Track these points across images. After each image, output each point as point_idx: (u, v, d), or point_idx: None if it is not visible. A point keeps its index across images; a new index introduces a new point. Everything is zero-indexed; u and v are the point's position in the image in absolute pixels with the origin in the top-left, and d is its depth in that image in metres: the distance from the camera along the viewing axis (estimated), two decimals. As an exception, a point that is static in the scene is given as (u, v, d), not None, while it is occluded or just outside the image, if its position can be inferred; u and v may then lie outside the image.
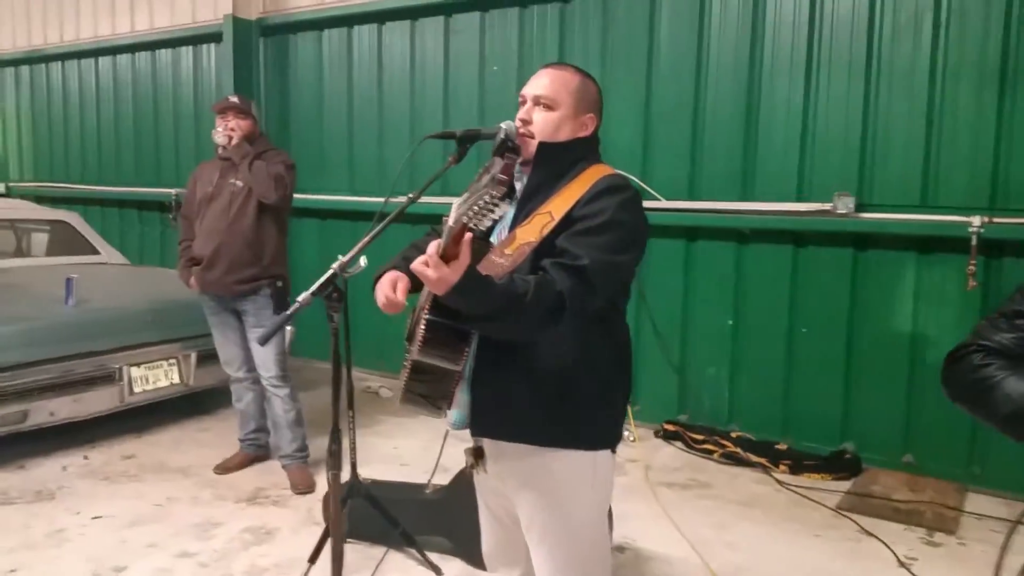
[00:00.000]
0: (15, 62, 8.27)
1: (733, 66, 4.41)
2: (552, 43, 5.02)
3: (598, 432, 1.73)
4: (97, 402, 4.20)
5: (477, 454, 1.79)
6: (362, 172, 5.98)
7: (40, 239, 5.81)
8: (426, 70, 5.63)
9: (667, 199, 4.58)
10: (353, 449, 2.83)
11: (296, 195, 3.93)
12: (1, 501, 3.58)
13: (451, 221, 1.38)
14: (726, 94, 4.45)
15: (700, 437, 4.41)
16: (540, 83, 1.74)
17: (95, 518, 3.40)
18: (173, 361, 4.50)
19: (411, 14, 5.63)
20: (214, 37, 6.50)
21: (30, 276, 4.90)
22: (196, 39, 6.76)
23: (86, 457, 4.14)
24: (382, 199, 5.71)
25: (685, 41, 4.56)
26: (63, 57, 7.84)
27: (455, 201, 1.42)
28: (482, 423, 1.69)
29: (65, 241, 5.64)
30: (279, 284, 3.77)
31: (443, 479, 2.94)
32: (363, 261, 1.82)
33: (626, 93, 4.70)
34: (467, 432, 1.73)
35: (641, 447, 4.38)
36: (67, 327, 4.20)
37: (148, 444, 4.36)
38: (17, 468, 3.96)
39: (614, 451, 1.78)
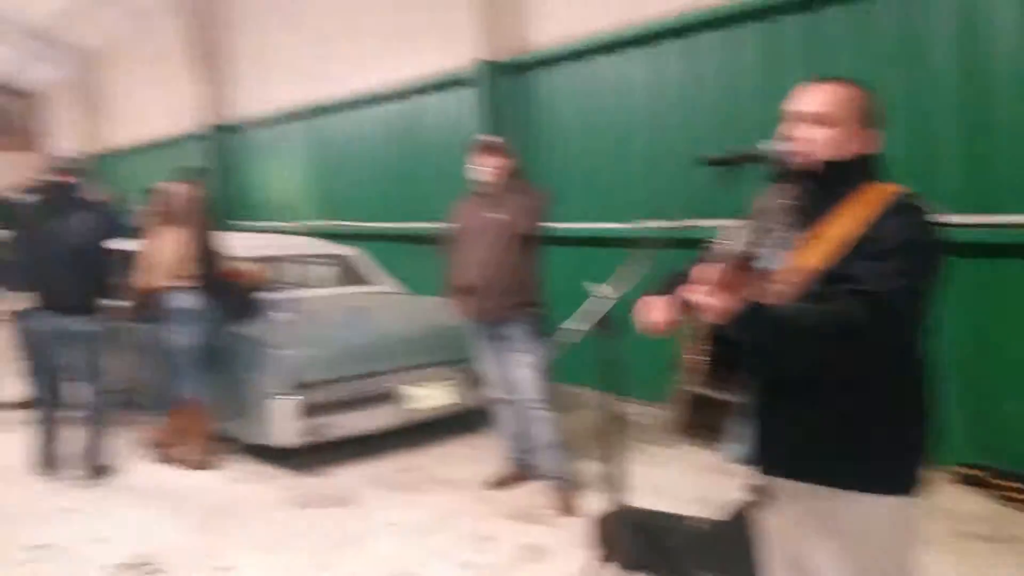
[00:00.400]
0: (302, 116, 9.47)
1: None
2: (795, 56, 4.80)
3: (900, 475, 1.61)
4: (382, 417, 4.67)
5: (761, 491, 1.73)
6: (602, 199, 6.10)
7: (328, 272, 6.58)
8: (667, 94, 5.65)
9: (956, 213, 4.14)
10: (621, 476, 2.88)
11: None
12: (307, 504, 4.09)
13: (727, 247, 1.37)
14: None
15: (1011, 484, 3.87)
16: (813, 99, 1.66)
17: (387, 524, 3.78)
18: (447, 381, 4.87)
19: (651, 40, 5.68)
20: (465, 82, 7.00)
21: (322, 305, 5.53)
22: (449, 84, 7.32)
23: (373, 468, 4.60)
24: (625, 224, 5.86)
25: (961, 37, 4.12)
26: (339, 109, 8.85)
27: (727, 225, 1.41)
28: (773, 460, 1.64)
29: (349, 273, 6.33)
30: (538, 310, 3.96)
31: (712, 513, 2.89)
32: (609, 289, 1.84)
33: (895, 99, 4.35)
34: (744, 466, 1.68)
35: (939, 493, 3.97)
36: (357, 350, 4.72)
37: (427, 458, 4.75)
38: (317, 475, 4.50)
39: (918, 497, 1.64)
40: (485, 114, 6.66)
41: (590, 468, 4.14)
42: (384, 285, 6.27)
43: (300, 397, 4.34)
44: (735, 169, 1.69)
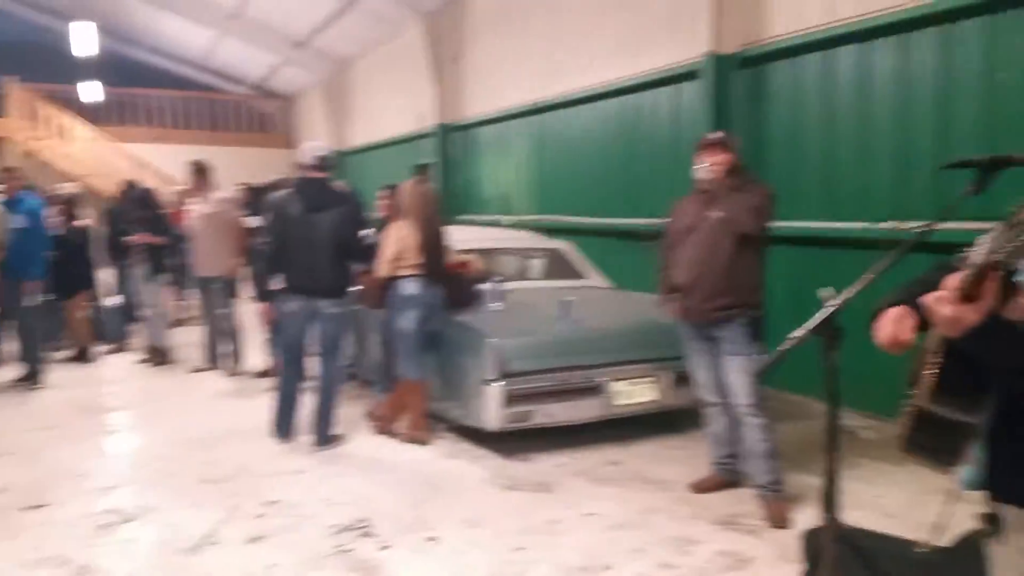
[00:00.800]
0: (525, 113, 9.80)
1: None
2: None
3: None
4: (587, 410, 4.74)
5: (993, 521, 1.58)
6: (841, 197, 5.74)
7: (540, 265, 6.77)
8: (916, 86, 5.18)
9: None
10: (837, 491, 2.72)
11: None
12: (510, 487, 4.24)
13: (977, 255, 1.26)
14: None
15: None
16: None
17: (586, 514, 3.83)
18: (652, 379, 4.84)
19: (901, 28, 5.24)
20: (692, 75, 6.87)
21: (533, 297, 5.70)
22: (675, 79, 7.22)
23: (576, 459, 4.69)
24: (863, 224, 5.49)
25: None
26: (561, 106, 9.05)
27: (982, 232, 1.29)
28: (1007, 487, 1.49)
29: (560, 266, 6.48)
30: (755, 314, 3.83)
31: (935, 539, 2.64)
32: (838, 294, 1.73)
33: None
34: (976, 491, 1.54)
35: None
36: (564, 343, 4.83)
37: (630, 454, 4.75)
38: (523, 460, 4.65)
39: None
40: (713, 109, 6.50)
41: (805, 480, 3.94)
42: (594, 280, 6.35)
43: (509, 384, 4.52)
44: (990, 173, 1.55)
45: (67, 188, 8.24)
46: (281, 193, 4.98)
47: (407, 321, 4.92)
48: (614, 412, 4.79)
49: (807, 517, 2.68)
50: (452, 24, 11.12)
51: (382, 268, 4.96)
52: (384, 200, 5.48)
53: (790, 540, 3.41)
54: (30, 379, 6.55)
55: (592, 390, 4.72)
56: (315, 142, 5.23)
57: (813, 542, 2.78)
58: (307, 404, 5.00)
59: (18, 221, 6.37)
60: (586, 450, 4.79)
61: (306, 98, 18.24)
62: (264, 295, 5.23)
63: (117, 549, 3.52)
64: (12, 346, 6.87)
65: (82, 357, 7.58)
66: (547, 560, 3.35)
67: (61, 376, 6.90)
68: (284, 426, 4.98)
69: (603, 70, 8.23)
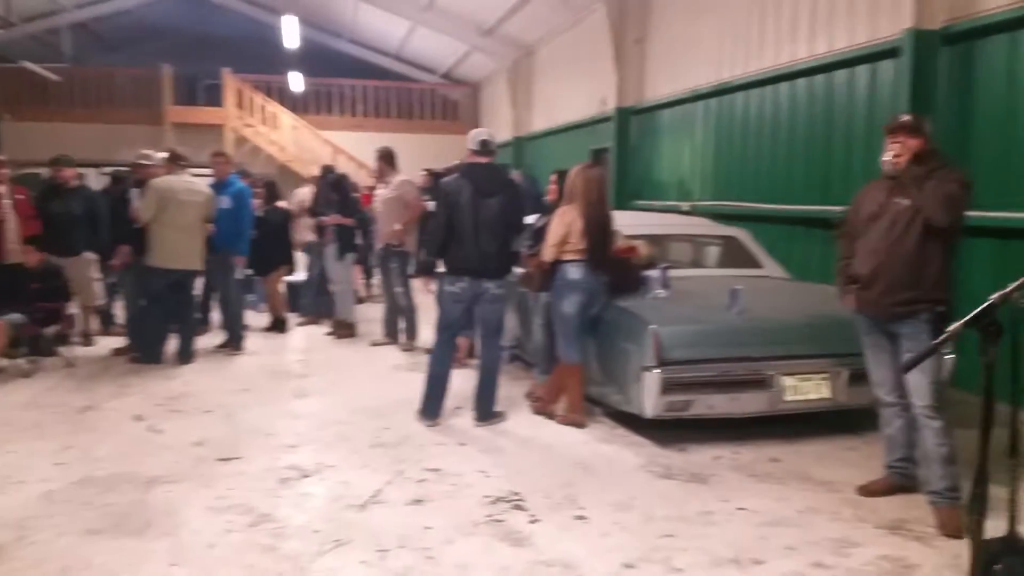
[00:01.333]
0: (705, 96, 9.55)
1: None
2: None
3: None
4: (750, 403, 4.60)
5: None
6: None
7: (713, 252, 6.61)
8: None
9: None
10: (1014, 501, 2.50)
11: (970, 212, 3.64)
12: (664, 475, 4.22)
13: None
14: None
15: None
16: None
17: (740, 509, 3.75)
18: (825, 375, 4.62)
19: None
20: (891, 53, 6.40)
21: (702, 285, 5.59)
22: (872, 57, 6.75)
23: (736, 452, 4.58)
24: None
25: None
26: (746, 87, 8.72)
27: None
28: None
29: (734, 255, 6.29)
30: (940, 310, 3.55)
31: None
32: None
33: None
34: None
35: None
36: (730, 333, 4.71)
37: (794, 452, 4.58)
38: (679, 449, 4.61)
39: None
40: (914, 89, 6.02)
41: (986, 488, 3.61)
42: (769, 269, 6.11)
43: (668, 372, 4.48)
44: None
45: (265, 173, 9.09)
46: (451, 177, 5.21)
47: (569, 305, 5.00)
48: (781, 408, 4.62)
49: (983, 527, 2.45)
50: (639, 4, 11.03)
51: (547, 252, 5.07)
52: (554, 185, 5.59)
53: (961, 550, 3.16)
54: (231, 345, 7.31)
55: (759, 383, 4.58)
56: (480, 128, 5.42)
57: (984, 553, 2.58)
58: (461, 383, 5.20)
59: (225, 202, 7.10)
60: (747, 445, 4.67)
61: (491, 85, 18.80)
62: (424, 270, 5.51)
63: (294, 501, 3.89)
64: (217, 315, 7.70)
65: (276, 327, 8.34)
66: (695, 549, 3.33)
67: (257, 344, 7.65)
68: (432, 407, 5.14)
69: (793, 48, 7.85)
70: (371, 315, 8.41)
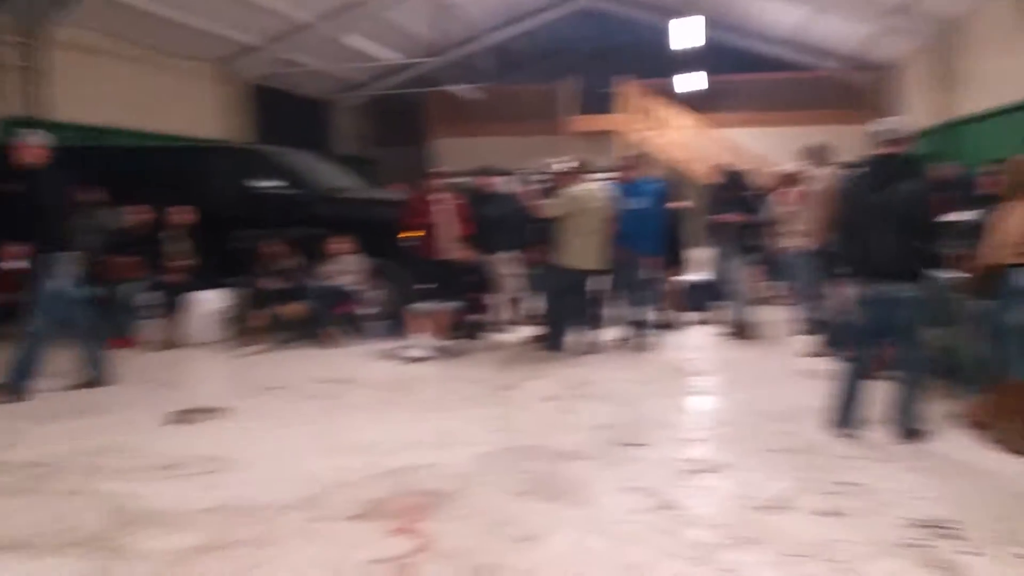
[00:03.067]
0: None
1: None
2: None
3: None
4: None
5: None
6: None
7: None
8: None
9: None
10: None
11: None
12: None
13: None
14: None
15: None
16: None
17: None
18: None
19: None
20: None
21: None
22: None
23: None
24: None
25: None
26: None
27: None
28: None
29: None
30: None
31: None
32: None
33: None
34: None
35: None
36: None
37: None
38: None
39: None
40: None
41: None
42: None
43: None
44: None
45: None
46: (850, 172, 4.91)
47: (1022, 316, 4.40)
48: None
49: None
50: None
51: (992, 253, 4.51)
52: (989, 176, 4.96)
53: None
54: (632, 340, 7.72)
55: None
56: (890, 117, 4.99)
57: None
58: (877, 395, 4.85)
59: (636, 203, 7.45)
60: None
61: (904, 67, 17.15)
62: (835, 272, 5.24)
63: (697, 493, 4.02)
64: (621, 311, 8.16)
65: (670, 325, 8.59)
66: None
67: (654, 340, 7.95)
68: (844, 417, 4.87)
69: None
70: (772, 317, 8.29)
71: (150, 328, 7.91)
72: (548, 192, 7.62)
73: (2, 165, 5.93)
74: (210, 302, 8.06)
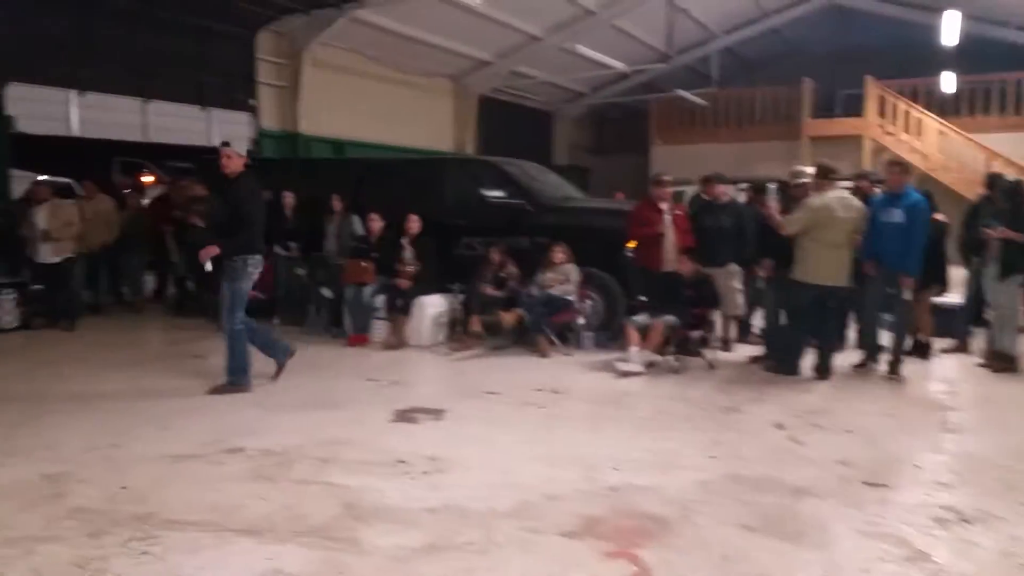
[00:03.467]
0: None
1: None
2: None
3: None
4: None
5: None
6: None
7: None
8: None
9: None
10: None
11: None
12: None
13: None
14: None
15: None
16: None
17: None
18: None
19: None
20: None
21: None
22: None
23: None
24: None
25: None
26: None
27: None
28: None
29: None
30: None
31: None
32: None
33: None
34: None
35: None
36: None
37: None
38: None
39: None
40: None
41: None
42: None
43: None
44: None
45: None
46: None
47: None
48: None
49: None
50: None
51: None
52: None
53: None
54: (870, 364, 7.07)
55: None
56: None
57: None
58: None
59: (896, 215, 6.70)
60: None
61: None
62: None
63: (955, 546, 3.55)
64: (866, 333, 7.51)
65: (920, 351, 7.76)
66: None
67: (900, 368, 7.22)
68: None
69: None
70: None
71: (379, 328, 8.39)
72: (789, 203, 7.17)
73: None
74: (433, 306, 8.40)
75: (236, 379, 6.22)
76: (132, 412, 5.65)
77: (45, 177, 10.36)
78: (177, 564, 3.35)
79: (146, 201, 11.41)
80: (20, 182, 10.48)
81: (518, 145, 17.14)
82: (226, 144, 6.32)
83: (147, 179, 12.62)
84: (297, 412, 5.69)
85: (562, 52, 16.82)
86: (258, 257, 6.28)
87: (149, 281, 11.26)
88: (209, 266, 6.24)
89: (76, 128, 11.17)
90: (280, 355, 6.58)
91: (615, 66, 16.20)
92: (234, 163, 6.21)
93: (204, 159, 9.77)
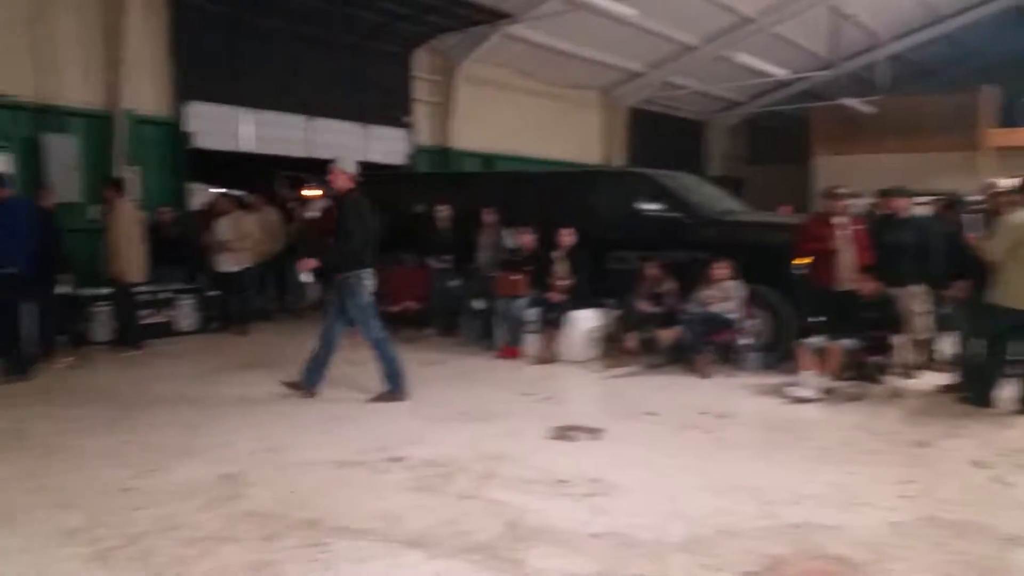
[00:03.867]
0: None
1: None
2: None
3: None
4: None
5: None
6: None
7: None
8: None
9: None
10: None
11: None
12: None
13: None
14: None
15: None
16: None
17: None
18: None
19: None
20: None
21: None
22: None
23: None
24: None
25: None
26: None
27: None
28: None
29: None
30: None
31: None
32: None
33: None
34: None
35: None
36: None
37: None
38: None
39: None
40: None
41: None
42: None
43: None
44: None
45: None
46: None
47: None
48: None
49: None
50: None
51: None
52: None
53: None
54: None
55: None
56: None
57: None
58: None
59: None
60: None
61: None
62: None
63: None
64: None
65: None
66: None
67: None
68: None
69: None
70: None
71: (531, 342, 8.32)
72: (987, 221, 6.51)
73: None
74: (587, 320, 8.24)
75: (395, 385, 6.32)
76: (294, 416, 5.84)
77: (225, 191, 11.04)
78: (347, 574, 3.35)
79: (310, 214, 11.93)
80: (195, 194, 11.23)
81: (668, 156, 16.79)
82: (334, 162, 6.44)
83: (310, 192, 13.20)
84: (453, 423, 5.69)
85: (717, 61, 16.36)
86: (368, 270, 6.32)
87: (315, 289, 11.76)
88: (308, 278, 6.42)
89: (247, 144, 11.85)
90: (312, 382, 6.40)
91: (776, 73, 15.59)
92: (341, 180, 6.33)
93: (365, 174, 10.10)
